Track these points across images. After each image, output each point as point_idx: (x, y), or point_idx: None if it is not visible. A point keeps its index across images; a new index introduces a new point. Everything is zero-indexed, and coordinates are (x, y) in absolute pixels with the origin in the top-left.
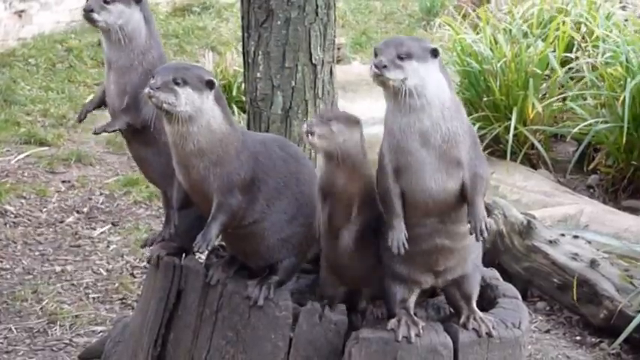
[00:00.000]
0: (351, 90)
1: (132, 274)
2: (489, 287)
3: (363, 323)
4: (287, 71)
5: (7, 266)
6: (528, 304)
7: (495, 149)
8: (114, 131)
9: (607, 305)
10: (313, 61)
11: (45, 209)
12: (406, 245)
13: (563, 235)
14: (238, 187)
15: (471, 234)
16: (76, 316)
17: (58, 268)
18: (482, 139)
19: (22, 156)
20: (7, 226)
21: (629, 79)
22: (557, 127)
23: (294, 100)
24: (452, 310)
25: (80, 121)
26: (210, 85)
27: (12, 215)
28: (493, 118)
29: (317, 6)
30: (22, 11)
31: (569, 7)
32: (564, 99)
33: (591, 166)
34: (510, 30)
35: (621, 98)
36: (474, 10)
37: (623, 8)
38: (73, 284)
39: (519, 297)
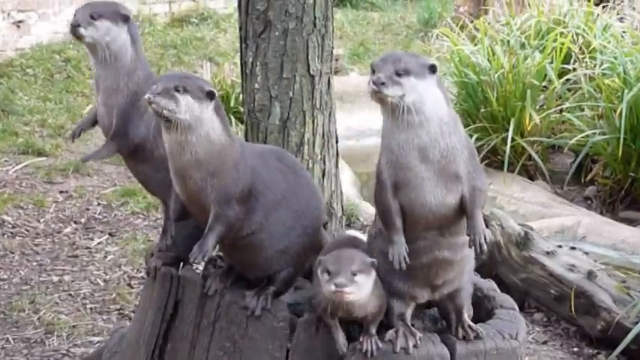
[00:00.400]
0: (349, 101)
1: (129, 285)
2: (487, 298)
3: (360, 334)
4: (285, 82)
5: (5, 276)
6: (525, 315)
7: (493, 160)
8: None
9: (604, 316)
10: (311, 72)
11: (42, 219)
12: (407, 260)
13: (560, 246)
14: (236, 198)
15: (470, 247)
16: (74, 327)
17: (55, 279)
18: (479, 150)
19: (19, 166)
20: (5, 236)
21: (626, 91)
22: (554, 139)
23: (292, 110)
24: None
25: (74, 139)
26: (210, 95)
27: (9, 225)
28: (491, 129)
29: (315, 17)
30: (20, 22)
31: (567, 19)
32: (562, 110)
33: (589, 178)
34: (508, 41)
35: (618, 110)
36: (472, 22)
37: (621, 20)
38: (70, 294)
39: (516, 308)
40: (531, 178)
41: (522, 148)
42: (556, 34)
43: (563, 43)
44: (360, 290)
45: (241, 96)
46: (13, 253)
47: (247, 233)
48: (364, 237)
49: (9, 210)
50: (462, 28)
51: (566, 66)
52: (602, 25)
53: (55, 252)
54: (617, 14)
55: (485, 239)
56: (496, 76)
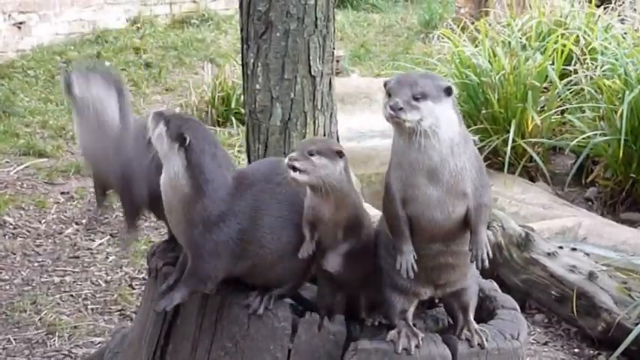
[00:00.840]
0: (350, 102)
1: (130, 286)
2: (488, 299)
3: (361, 334)
4: (286, 83)
5: (6, 277)
6: (526, 316)
7: (494, 162)
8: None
9: (605, 317)
10: (312, 73)
11: (44, 220)
12: (415, 268)
13: (561, 247)
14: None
15: (471, 262)
16: (75, 327)
17: (56, 279)
18: (480, 151)
19: (20, 167)
20: (6, 237)
21: (627, 92)
22: (555, 140)
23: (294, 111)
24: (450, 321)
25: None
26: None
27: (11, 226)
28: (491, 131)
29: (316, 18)
30: (21, 23)
31: (568, 20)
32: (563, 112)
33: (589, 179)
34: (509, 43)
35: (619, 111)
36: (473, 23)
37: (622, 21)
38: (71, 295)
39: (518, 308)
40: (532, 179)
41: (523, 150)
42: (557, 36)
43: (564, 45)
44: (315, 172)
45: (242, 97)
46: (14, 254)
47: (254, 263)
48: None
49: (10, 211)
50: (462, 29)
51: (567, 67)
52: (604, 26)
53: (57, 253)
54: (619, 15)
55: (487, 254)
56: (497, 77)
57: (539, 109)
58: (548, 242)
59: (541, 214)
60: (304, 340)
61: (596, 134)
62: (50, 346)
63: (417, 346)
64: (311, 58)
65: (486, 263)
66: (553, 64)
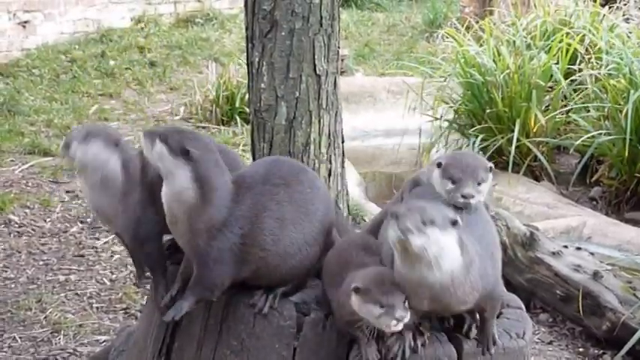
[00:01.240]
0: (354, 102)
1: (135, 284)
2: None
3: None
4: (291, 82)
5: (12, 275)
6: (531, 315)
7: (498, 161)
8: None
9: (610, 317)
10: (317, 72)
11: (49, 219)
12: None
13: (566, 246)
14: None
15: (477, 347)
16: (80, 326)
17: (62, 278)
18: (484, 150)
19: (26, 166)
20: (12, 235)
21: (632, 91)
22: (560, 139)
23: (298, 110)
24: (455, 320)
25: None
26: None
27: (16, 225)
28: (496, 130)
29: (321, 17)
30: (26, 22)
31: (573, 20)
32: (567, 111)
33: (594, 178)
34: (514, 42)
35: (624, 110)
36: (477, 22)
37: (627, 20)
38: (76, 294)
39: (523, 307)
40: (537, 178)
41: (528, 149)
42: (562, 35)
43: (569, 44)
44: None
45: (247, 96)
46: (19, 252)
47: (258, 267)
48: None
49: (15, 209)
50: (467, 28)
51: (571, 66)
52: (608, 25)
53: (62, 251)
54: (623, 15)
55: (494, 342)
56: (502, 76)
57: (543, 108)
58: (552, 241)
59: (545, 213)
60: (310, 338)
61: (600, 134)
62: (55, 344)
63: (422, 345)
64: (316, 56)
65: (492, 351)
66: (558, 63)
